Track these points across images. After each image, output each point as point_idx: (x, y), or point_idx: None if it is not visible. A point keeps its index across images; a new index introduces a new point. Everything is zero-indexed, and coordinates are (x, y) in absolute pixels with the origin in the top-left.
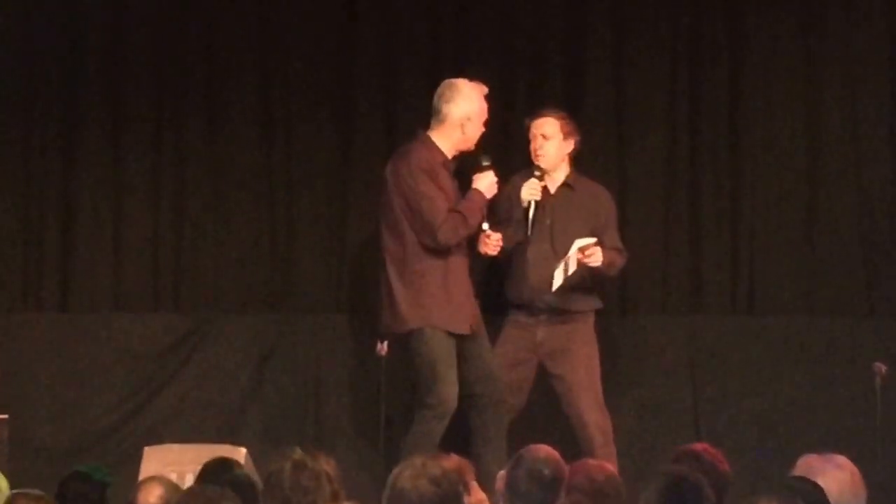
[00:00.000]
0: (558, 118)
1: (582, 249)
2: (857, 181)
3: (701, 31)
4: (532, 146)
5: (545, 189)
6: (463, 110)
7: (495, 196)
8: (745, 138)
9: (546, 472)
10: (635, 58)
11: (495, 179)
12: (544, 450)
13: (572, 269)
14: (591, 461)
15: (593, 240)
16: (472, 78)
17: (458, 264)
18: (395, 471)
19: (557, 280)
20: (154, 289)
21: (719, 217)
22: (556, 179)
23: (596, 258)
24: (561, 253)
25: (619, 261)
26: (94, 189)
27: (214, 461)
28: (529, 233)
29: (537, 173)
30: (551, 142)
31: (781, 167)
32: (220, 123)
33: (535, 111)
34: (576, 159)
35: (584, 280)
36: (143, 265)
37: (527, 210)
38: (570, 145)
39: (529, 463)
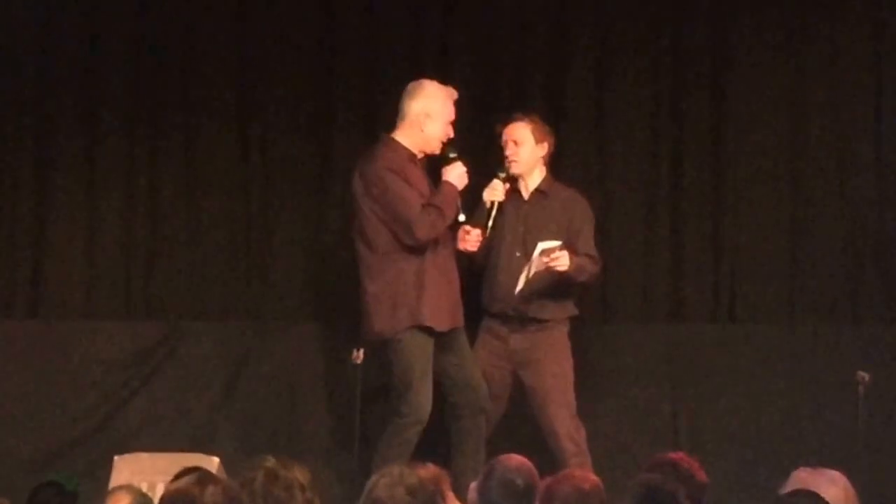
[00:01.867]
0: (529, 123)
1: (547, 252)
2: (840, 188)
3: (684, 39)
4: (505, 152)
5: (519, 196)
6: (422, 107)
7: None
8: (727, 145)
9: (518, 481)
10: (617, 65)
11: (464, 170)
12: (516, 459)
13: (533, 271)
14: (577, 471)
15: (557, 243)
16: (453, 83)
17: (440, 264)
18: (372, 479)
19: (520, 283)
20: (126, 296)
21: (700, 224)
22: (529, 185)
23: (562, 262)
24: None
25: (591, 267)
26: (67, 195)
27: (187, 471)
28: (488, 233)
29: (501, 175)
30: (523, 147)
31: (764, 174)
32: (196, 129)
33: (507, 117)
34: (554, 165)
35: (555, 287)
36: (115, 272)
37: (489, 211)
38: (543, 149)
39: (501, 473)
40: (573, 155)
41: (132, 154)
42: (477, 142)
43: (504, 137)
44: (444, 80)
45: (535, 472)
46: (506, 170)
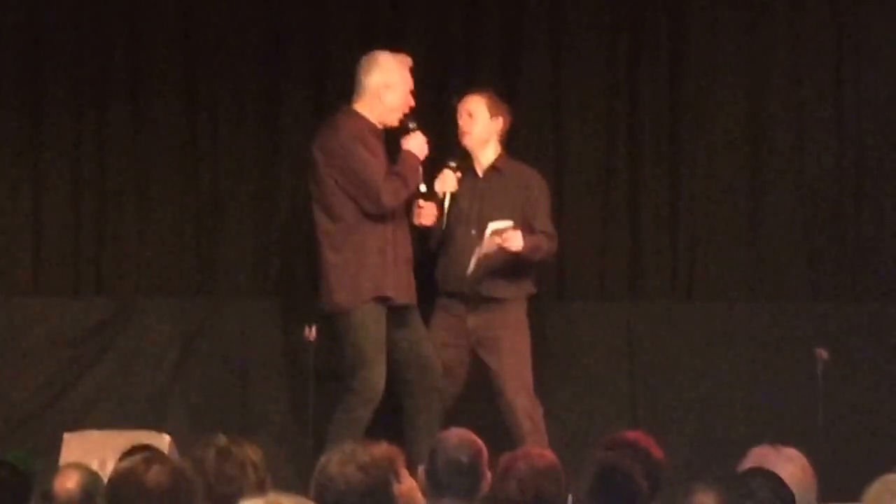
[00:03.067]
0: (485, 96)
1: (498, 233)
2: (799, 166)
3: (642, 15)
4: (458, 122)
5: (473, 173)
6: (380, 79)
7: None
8: (685, 121)
9: (463, 458)
10: (574, 40)
11: (424, 140)
12: (457, 435)
13: (484, 252)
14: (534, 449)
15: (509, 223)
16: (406, 53)
17: (398, 236)
18: (324, 458)
19: (472, 265)
20: (75, 272)
21: (658, 200)
22: (484, 162)
23: (514, 242)
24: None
25: (547, 246)
26: (13, 171)
27: (135, 450)
28: (444, 225)
29: (452, 164)
30: (477, 120)
31: (722, 151)
32: (143, 102)
33: (463, 91)
34: (510, 142)
35: (510, 266)
36: (63, 247)
37: (442, 201)
38: (497, 124)
39: (444, 453)
40: (528, 132)
41: (79, 130)
42: (431, 121)
43: (459, 110)
44: (397, 50)
45: (478, 443)
46: (456, 159)
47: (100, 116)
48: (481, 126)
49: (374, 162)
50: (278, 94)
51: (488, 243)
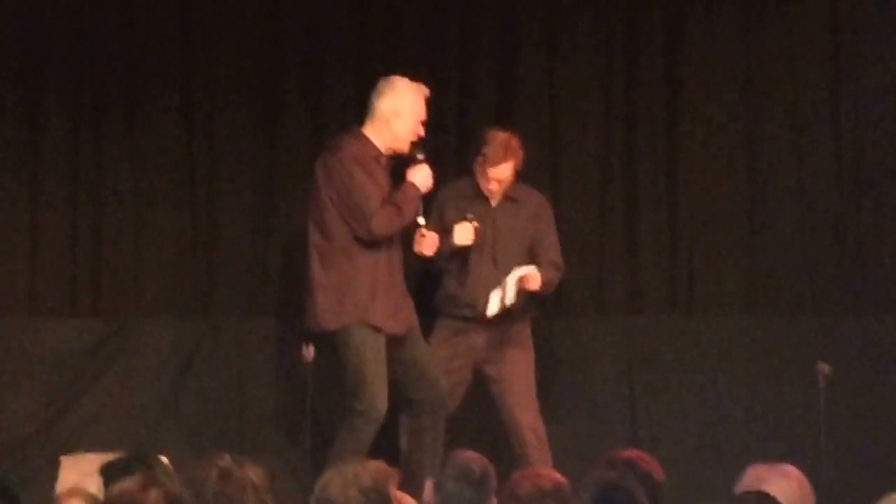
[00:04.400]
0: (515, 158)
1: (521, 278)
2: (798, 177)
3: (637, 27)
4: (487, 186)
5: (487, 203)
6: (391, 105)
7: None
8: (683, 134)
9: (474, 468)
10: (569, 55)
11: (430, 173)
12: (471, 453)
13: (510, 299)
14: (543, 469)
15: (532, 268)
16: (402, 74)
17: (392, 263)
18: (324, 478)
19: (493, 308)
20: (72, 292)
21: (657, 215)
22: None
23: (535, 283)
24: (502, 270)
25: (557, 279)
26: (9, 188)
27: (119, 465)
28: (460, 262)
29: (469, 216)
30: (506, 181)
31: (721, 164)
32: (140, 121)
33: (494, 150)
34: None
35: (522, 299)
36: (60, 267)
37: (457, 250)
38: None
39: (456, 463)
40: (525, 146)
41: (76, 147)
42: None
43: (490, 174)
44: (391, 69)
45: (489, 464)
46: (474, 216)
47: (97, 137)
48: (508, 183)
49: (370, 187)
50: (275, 114)
51: (514, 289)
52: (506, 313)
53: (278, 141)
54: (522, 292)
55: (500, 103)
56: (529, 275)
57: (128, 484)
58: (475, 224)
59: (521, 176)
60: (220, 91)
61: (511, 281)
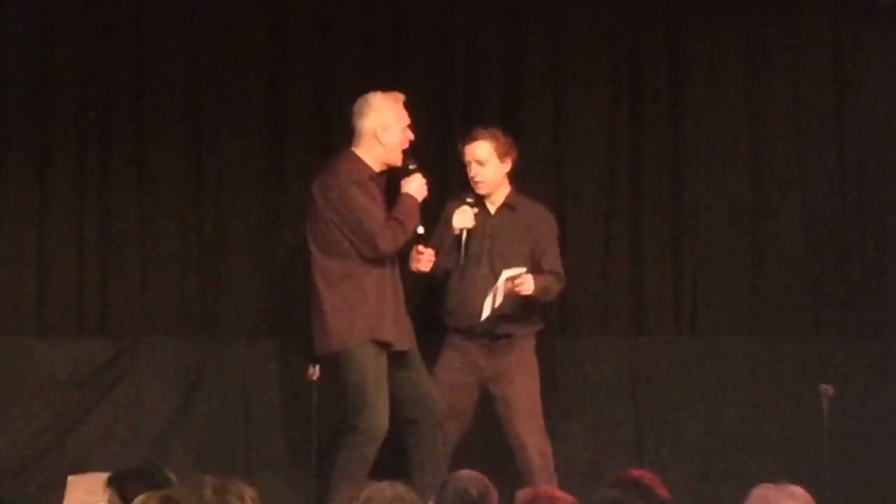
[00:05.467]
0: (491, 140)
1: (512, 279)
2: (801, 198)
3: (642, 49)
4: (469, 173)
5: (485, 210)
6: (375, 121)
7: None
8: (687, 155)
9: (472, 491)
10: (574, 74)
11: (424, 181)
12: (469, 473)
13: (499, 300)
14: (554, 491)
15: (523, 269)
16: (406, 92)
17: (396, 281)
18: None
19: (486, 311)
20: (79, 312)
21: (661, 235)
22: (495, 201)
23: (527, 286)
24: (499, 278)
25: (555, 287)
26: (17, 212)
27: (123, 473)
28: (462, 261)
29: (469, 200)
30: (487, 167)
31: (724, 184)
32: (147, 142)
33: (468, 134)
34: (515, 177)
35: (520, 306)
36: (67, 288)
37: (459, 237)
38: (507, 165)
39: (455, 485)
40: (530, 168)
41: (83, 168)
42: (433, 158)
43: (466, 157)
44: (397, 89)
45: (489, 485)
46: (473, 195)
47: (103, 158)
48: (492, 172)
49: (371, 207)
50: (281, 134)
51: (502, 289)
52: (501, 318)
53: (285, 162)
54: (515, 296)
55: (506, 125)
56: (521, 278)
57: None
58: (475, 209)
59: (522, 190)
60: (227, 112)
61: (500, 281)
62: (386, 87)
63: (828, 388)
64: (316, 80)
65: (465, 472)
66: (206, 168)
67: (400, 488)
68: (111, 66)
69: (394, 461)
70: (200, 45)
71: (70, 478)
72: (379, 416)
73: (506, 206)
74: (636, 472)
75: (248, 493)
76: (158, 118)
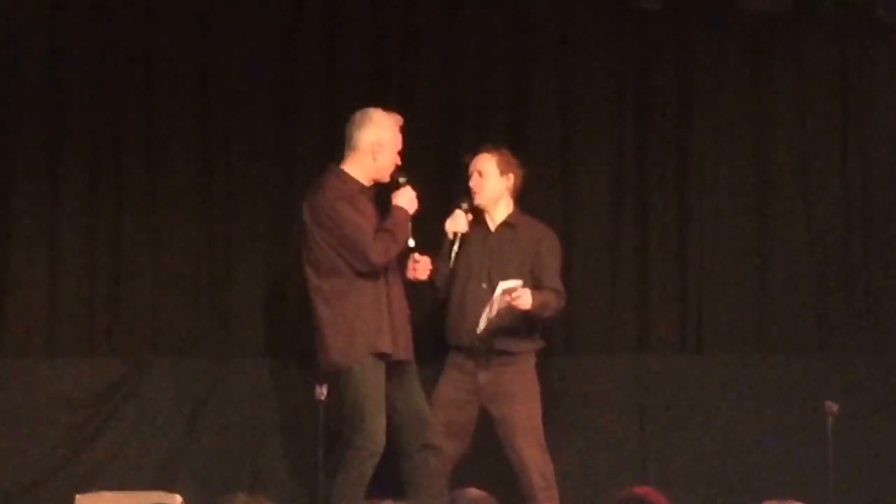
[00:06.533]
0: (495, 154)
1: (508, 291)
2: (806, 216)
3: (649, 72)
4: (469, 183)
5: (486, 228)
6: (373, 136)
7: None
8: (692, 174)
9: None
10: (582, 94)
11: (414, 194)
12: (474, 491)
13: (494, 311)
14: None
15: (519, 282)
16: (414, 108)
17: (393, 292)
18: None
19: (482, 323)
20: (89, 332)
21: (666, 254)
22: (496, 217)
23: (524, 301)
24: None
25: (555, 303)
26: (28, 229)
27: None
28: (451, 264)
29: (464, 205)
30: (487, 178)
31: (730, 203)
32: (158, 162)
33: (476, 148)
34: (520, 197)
35: (520, 322)
36: (77, 308)
37: (451, 242)
38: (508, 181)
39: (458, 502)
40: (536, 188)
41: (94, 189)
42: (439, 171)
43: (470, 168)
44: (406, 109)
45: (493, 501)
46: (469, 201)
47: (115, 178)
48: (492, 185)
49: (361, 221)
50: (291, 154)
51: (498, 301)
52: (499, 334)
53: (293, 182)
54: (514, 311)
55: (513, 141)
56: (518, 292)
57: None
58: (469, 215)
59: (525, 208)
60: (237, 135)
61: (496, 293)
62: (395, 100)
63: (832, 405)
64: (324, 96)
65: (473, 492)
66: (216, 190)
67: None
68: (122, 88)
69: (394, 479)
70: (210, 62)
71: (78, 497)
72: (376, 433)
73: (506, 224)
74: (641, 490)
75: None
76: (168, 140)
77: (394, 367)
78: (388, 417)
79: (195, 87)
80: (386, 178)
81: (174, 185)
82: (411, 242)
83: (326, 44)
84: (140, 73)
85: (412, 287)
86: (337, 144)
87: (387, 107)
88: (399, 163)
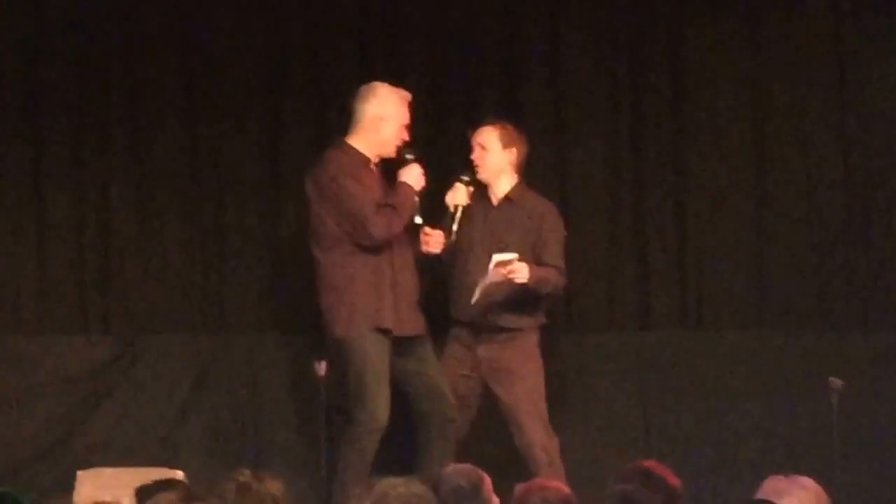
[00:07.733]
0: (497, 128)
1: (503, 264)
2: (806, 192)
3: (641, 42)
4: (472, 156)
5: (488, 202)
6: (378, 110)
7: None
8: (690, 149)
9: (463, 483)
10: (574, 70)
11: (421, 171)
12: (460, 466)
13: (488, 282)
14: (547, 481)
15: (514, 255)
16: (404, 87)
17: (397, 267)
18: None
19: (476, 293)
20: (82, 310)
21: (666, 230)
22: (498, 192)
23: (521, 274)
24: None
25: (555, 279)
26: (17, 208)
27: (153, 484)
28: (453, 237)
29: (465, 178)
30: (490, 152)
31: (728, 179)
32: (145, 139)
33: (479, 122)
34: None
35: (519, 296)
36: (69, 285)
37: (453, 214)
38: (511, 155)
39: (446, 482)
40: (532, 164)
41: (83, 164)
42: (433, 145)
43: (472, 142)
44: (396, 82)
45: (481, 474)
46: (470, 174)
47: (102, 155)
48: (494, 158)
49: (363, 195)
50: (280, 128)
51: (493, 274)
52: (501, 309)
53: (283, 156)
54: (512, 285)
55: (506, 116)
56: (514, 265)
57: (166, 498)
58: (470, 188)
59: (529, 184)
60: (225, 107)
61: (490, 265)
62: (384, 78)
63: (836, 382)
64: (313, 73)
65: (456, 467)
66: (205, 162)
67: (415, 486)
68: (106, 62)
69: (399, 455)
70: (197, 42)
71: (79, 473)
72: (378, 409)
73: (508, 198)
74: (646, 463)
75: (274, 492)
76: (155, 116)
77: (405, 343)
78: (405, 392)
79: (181, 64)
80: (392, 153)
81: (163, 159)
82: (418, 219)
83: (312, 20)
84: (125, 51)
85: (430, 261)
86: (324, 117)
87: (373, 81)
88: (406, 138)
